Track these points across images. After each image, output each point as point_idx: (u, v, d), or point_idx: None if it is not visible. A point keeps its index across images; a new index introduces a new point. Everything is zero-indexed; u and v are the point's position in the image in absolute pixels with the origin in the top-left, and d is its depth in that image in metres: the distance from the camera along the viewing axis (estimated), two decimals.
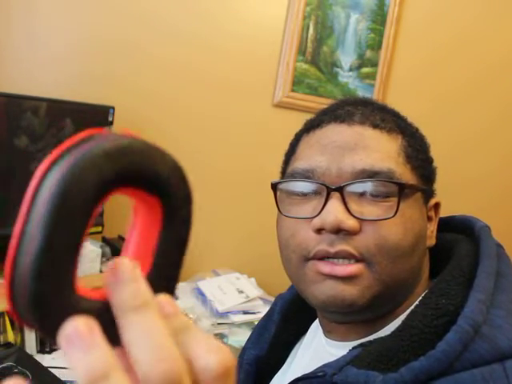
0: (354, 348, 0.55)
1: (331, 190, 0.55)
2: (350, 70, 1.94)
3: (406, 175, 0.56)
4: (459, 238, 0.62)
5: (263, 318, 0.77)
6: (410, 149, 0.58)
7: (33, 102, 1.38)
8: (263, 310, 1.64)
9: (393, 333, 0.52)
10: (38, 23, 1.63)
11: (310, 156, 0.58)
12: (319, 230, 0.55)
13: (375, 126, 0.57)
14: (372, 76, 1.97)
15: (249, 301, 1.63)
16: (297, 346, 0.73)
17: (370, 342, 0.54)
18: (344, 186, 0.54)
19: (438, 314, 0.50)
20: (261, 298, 1.67)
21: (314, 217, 0.55)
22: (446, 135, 1.96)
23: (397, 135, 0.58)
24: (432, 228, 0.60)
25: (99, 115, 1.57)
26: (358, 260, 0.54)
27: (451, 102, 2.02)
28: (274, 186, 0.61)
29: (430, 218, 0.60)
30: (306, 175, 0.57)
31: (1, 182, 1.36)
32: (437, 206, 0.61)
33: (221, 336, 1.50)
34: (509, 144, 2.18)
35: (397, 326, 0.56)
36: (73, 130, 1.48)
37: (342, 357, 0.54)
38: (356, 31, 1.93)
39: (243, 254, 1.95)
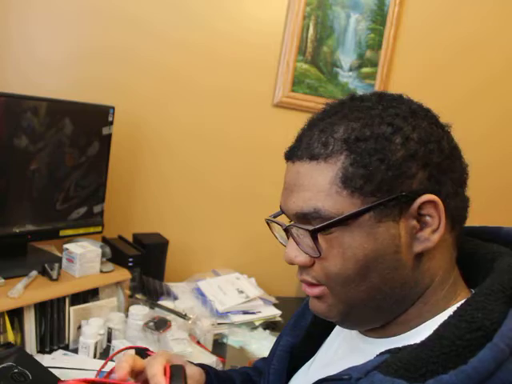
0: (381, 353, 0.55)
1: (283, 229, 0.62)
2: (350, 69, 1.94)
3: (340, 204, 0.55)
4: (504, 251, 0.59)
5: (302, 305, 0.78)
6: (354, 166, 0.54)
7: (33, 102, 1.38)
8: (263, 309, 1.64)
9: (423, 342, 0.51)
10: (40, 26, 1.63)
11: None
12: None
13: (312, 158, 0.57)
14: (372, 76, 1.97)
15: (249, 301, 1.63)
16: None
17: (398, 348, 0.54)
18: (287, 227, 0.61)
19: (473, 328, 0.49)
20: (261, 298, 1.67)
21: None
22: None
23: (338, 157, 0.55)
24: (434, 227, 0.55)
25: (99, 115, 1.57)
26: (322, 284, 0.59)
27: (453, 101, 2.02)
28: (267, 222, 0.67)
29: (422, 217, 0.56)
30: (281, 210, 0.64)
31: (1, 182, 1.36)
32: (432, 203, 0.55)
33: (221, 336, 1.50)
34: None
35: (410, 332, 0.57)
36: (73, 129, 1.48)
37: (369, 361, 0.54)
38: (356, 31, 1.93)
39: (243, 255, 1.95)
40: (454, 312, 0.52)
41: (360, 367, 0.54)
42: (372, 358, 0.55)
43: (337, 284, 0.57)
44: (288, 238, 0.62)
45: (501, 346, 0.47)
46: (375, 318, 0.59)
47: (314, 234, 0.56)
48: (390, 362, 0.51)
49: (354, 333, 0.65)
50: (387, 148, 0.54)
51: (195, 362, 0.78)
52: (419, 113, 0.58)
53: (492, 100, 2.15)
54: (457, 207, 0.58)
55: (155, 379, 0.63)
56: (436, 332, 0.51)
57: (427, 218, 0.56)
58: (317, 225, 0.56)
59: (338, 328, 0.71)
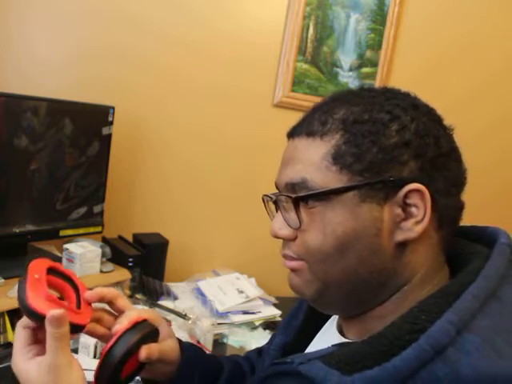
0: (333, 345, 0.57)
1: (272, 202, 0.64)
2: (350, 69, 1.94)
3: (328, 178, 0.56)
4: (484, 252, 0.58)
5: (294, 306, 0.79)
6: (347, 145, 0.56)
7: (33, 102, 1.38)
8: (263, 309, 1.64)
9: (368, 338, 0.52)
10: (40, 26, 1.63)
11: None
12: None
13: (309, 134, 0.59)
14: (372, 76, 1.97)
15: (249, 301, 1.63)
16: None
17: (348, 342, 0.56)
18: (275, 199, 0.62)
19: (414, 330, 0.49)
20: (261, 298, 1.67)
21: None
22: None
23: (333, 135, 0.57)
24: (419, 218, 0.54)
25: (99, 115, 1.57)
26: (302, 259, 0.60)
27: (452, 102, 2.02)
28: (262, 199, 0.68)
29: (408, 207, 0.55)
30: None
31: (1, 182, 1.36)
32: (419, 193, 0.54)
33: (221, 336, 1.50)
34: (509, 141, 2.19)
35: None
36: (73, 129, 1.48)
37: (317, 351, 0.56)
38: (356, 31, 1.93)
39: (243, 255, 1.95)
40: (404, 312, 0.52)
41: (306, 355, 0.56)
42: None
43: (315, 260, 0.58)
44: (277, 212, 0.63)
45: (423, 346, 0.47)
46: (349, 302, 0.59)
47: (296, 202, 0.57)
48: (334, 354, 0.53)
49: (336, 335, 0.65)
50: (381, 132, 0.55)
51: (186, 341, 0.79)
52: (421, 108, 0.59)
53: (492, 100, 2.15)
54: (447, 206, 0.57)
55: (121, 319, 0.65)
56: (380, 331, 0.52)
57: (413, 209, 0.55)
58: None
59: (323, 329, 0.72)
